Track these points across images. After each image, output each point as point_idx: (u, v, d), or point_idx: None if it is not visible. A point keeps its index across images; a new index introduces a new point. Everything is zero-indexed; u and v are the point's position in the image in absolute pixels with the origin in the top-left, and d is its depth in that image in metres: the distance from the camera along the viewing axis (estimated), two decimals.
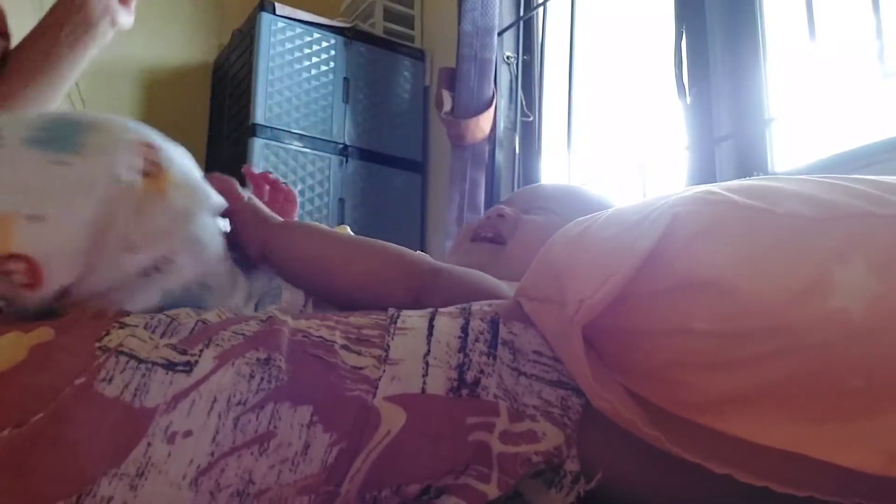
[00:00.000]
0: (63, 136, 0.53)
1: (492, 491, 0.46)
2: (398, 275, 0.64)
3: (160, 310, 0.55)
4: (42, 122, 0.54)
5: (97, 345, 0.48)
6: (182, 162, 0.59)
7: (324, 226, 0.72)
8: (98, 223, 0.52)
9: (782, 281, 0.41)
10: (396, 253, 0.66)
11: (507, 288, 0.67)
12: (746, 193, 0.45)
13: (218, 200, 0.62)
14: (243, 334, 0.51)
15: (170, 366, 0.48)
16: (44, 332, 0.49)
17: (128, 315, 0.52)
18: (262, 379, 0.48)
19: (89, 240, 0.52)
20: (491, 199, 1.98)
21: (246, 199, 0.70)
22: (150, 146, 0.56)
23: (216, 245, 0.61)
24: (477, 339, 0.52)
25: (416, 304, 0.59)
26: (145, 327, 0.50)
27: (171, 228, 0.55)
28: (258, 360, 0.49)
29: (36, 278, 0.51)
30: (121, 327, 0.50)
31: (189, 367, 0.48)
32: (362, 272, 0.65)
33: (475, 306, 0.56)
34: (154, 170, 0.55)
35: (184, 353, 0.49)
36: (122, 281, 0.54)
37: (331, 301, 0.67)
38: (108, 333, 0.49)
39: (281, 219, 0.70)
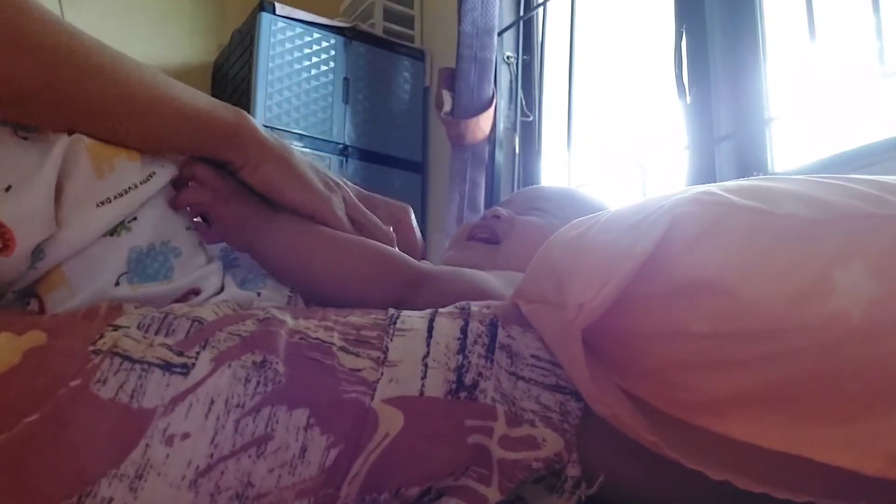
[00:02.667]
0: None
1: (493, 494, 0.46)
2: (381, 278, 0.65)
3: (131, 272, 0.57)
4: None
5: (91, 348, 0.48)
6: None
7: (305, 224, 0.68)
8: (63, 181, 0.54)
9: (782, 283, 0.41)
10: (381, 255, 0.66)
11: (496, 283, 0.67)
12: (745, 194, 0.45)
13: (174, 170, 0.63)
14: (239, 335, 0.51)
15: (167, 367, 0.47)
16: (36, 336, 0.49)
17: (120, 316, 0.52)
18: (258, 382, 0.48)
19: (52, 198, 0.53)
20: (491, 199, 1.98)
21: (225, 201, 0.67)
22: None
23: (178, 212, 0.62)
24: (475, 342, 0.52)
25: (399, 305, 0.60)
26: (138, 327, 0.50)
27: (140, 187, 0.58)
28: (254, 363, 0.48)
29: (8, 241, 0.52)
30: (114, 329, 0.50)
31: (186, 369, 0.48)
32: (344, 274, 0.65)
33: (474, 307, 0.56)
34: None
35: (180, 354, 0.48)
36: (93, 237, 0.56)
37: (312, 298, 0.67)
38: (101, 336, 0.49)
39: (264, 211, 0.68)
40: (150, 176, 0.59)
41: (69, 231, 0.55)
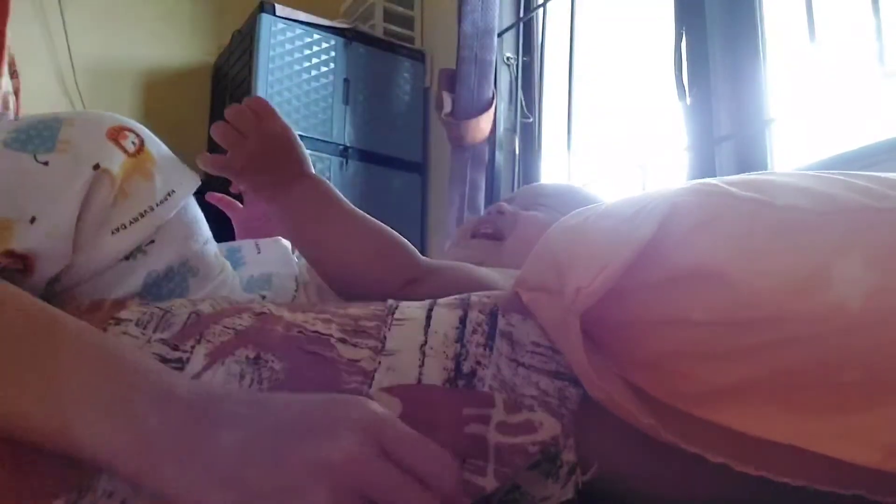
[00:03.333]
0: (40, 135, 0.54)
1: (489, 483, 0.46)
2: (386, 270, 0.65)
3: (144, 291, 0.56)
4: (19, 124, 0.55)
5: None
6: (159, 143, 0.61)
7: (330, 193, 0.69)
8: (83, 211, 0.53)
9: (781, 273, 0.41)
10: (390, 247, 0.67)
11: (497, 277, 0.67)
12: (746, 186, 0.45)
13: (196, 181, 0.63)
14: (234, 329, 0.51)
15: (162, 362, 0.47)
16: None
17: (123, 309, 0.52)
18: (252, 380, 0.47)
19: (74, 229, 0.53)
20: (491, 200, 1.98)
21: (239, 170, 0.69)
22: (126, 129, 0.58)
23: (198, 226, 0.62)
24: (475, 331, 0.52)
25: (398, 298, 0.60)
26: (137, 324, 0.50)
27: (156, 210, 0.57)
28: (247, 358, 0.48)
29: (28, 267, 0.52)
30: (116, 324, 0.50)
31: (181, 363, 0.48)
32: (350, 261, 0.66)
33: (474, 297, 0.56)
34: (136, 150, 0.57)
35: (176, 348, 0.48)
36: (108, 264, 0.55)
37: (322, 277, 0.68)
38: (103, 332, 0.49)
39: (279, 182, 0.68)
40: (169, 195, 0.58)
41: (84, 259, 0.54)
